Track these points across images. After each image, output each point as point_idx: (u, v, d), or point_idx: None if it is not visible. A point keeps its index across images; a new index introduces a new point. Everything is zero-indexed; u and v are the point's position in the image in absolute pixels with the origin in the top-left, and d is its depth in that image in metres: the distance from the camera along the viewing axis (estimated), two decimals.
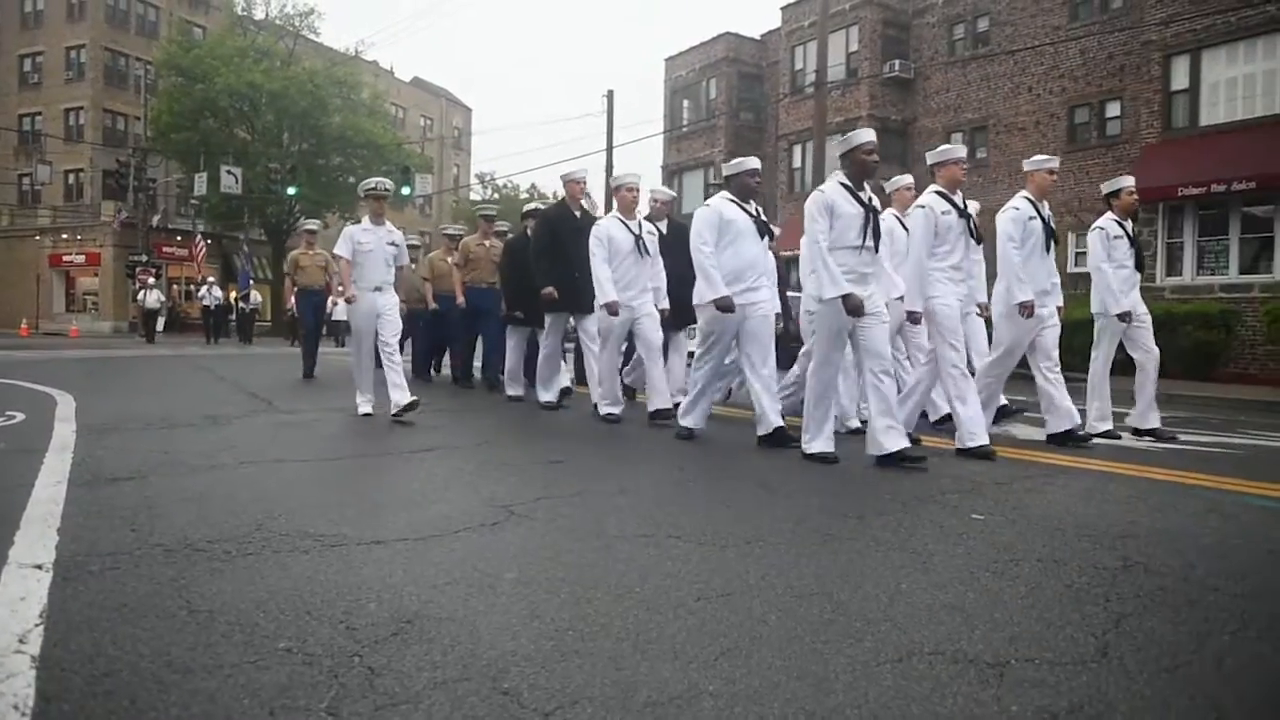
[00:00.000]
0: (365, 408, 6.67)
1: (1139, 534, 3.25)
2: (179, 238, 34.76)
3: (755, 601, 2.37)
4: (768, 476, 4.43)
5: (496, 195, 56.09)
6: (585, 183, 7.46)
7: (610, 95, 27.44)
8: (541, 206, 8.14)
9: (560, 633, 2.11)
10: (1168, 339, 10.27)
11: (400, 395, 6.24)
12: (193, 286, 32.94)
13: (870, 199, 4.91)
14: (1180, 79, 17.15)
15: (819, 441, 4.90)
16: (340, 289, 7.75)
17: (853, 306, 4.66)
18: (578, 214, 7.20)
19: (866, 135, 4.98)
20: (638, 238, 6.60)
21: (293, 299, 10.13)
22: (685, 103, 31.30)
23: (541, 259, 7.03)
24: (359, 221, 6.73)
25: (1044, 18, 21.43)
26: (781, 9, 27.20)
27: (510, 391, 8.28)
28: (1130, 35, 19.17)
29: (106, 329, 32.19)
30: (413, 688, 1.78)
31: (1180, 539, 3.21)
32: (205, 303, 25.04)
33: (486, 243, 9.16)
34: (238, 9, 37.27)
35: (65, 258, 36.08)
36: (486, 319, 9.04)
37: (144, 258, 28.65)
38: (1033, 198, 5.65)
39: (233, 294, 28.53)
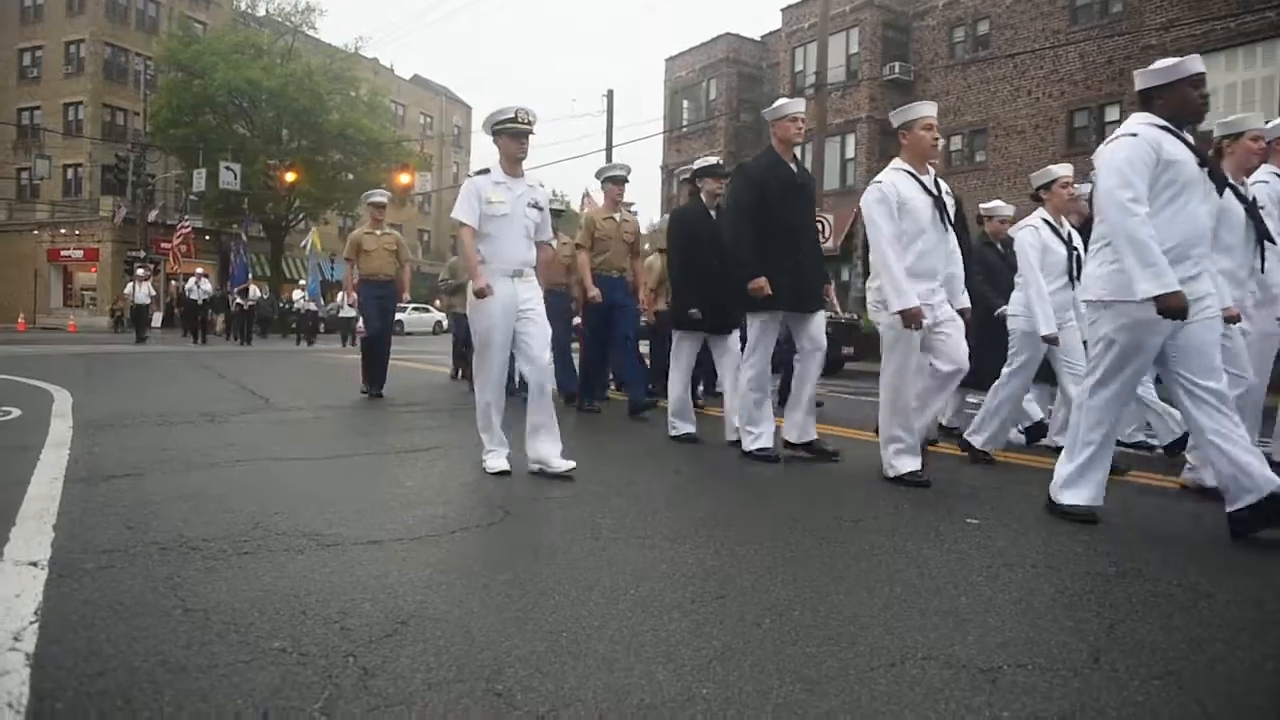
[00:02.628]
0: (498, 461, 4.31)
1: (1132, 539, 3.26)
2: (172, 239, 34.74)
3: (749, 604, 2.38)
4: (763, 479, 4.44)
5: None
6: (802, 119, 5.14)
7: (610, 95, 27.42)
8: (714, 161, 5.92)
9: (554, 634, 2.11)
10: None
11: (552, 449, 4.26)
12: (174, 282, 29.42)
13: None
14: None
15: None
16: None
17: (910, 318, 4.15)
18: (794, 168, 5.06)
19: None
20: (936, 198, 4.38)
21: (353, 292, 8.19)
22: (685, 103, 31.33)
23: (744, 232, 4.85)
24: (485, 171, 4.43)
25: (1044, 21, 21.47)
26: (782, 10, 27.22)
27: (678, 429, 5.73)
28: (1130, 40, 19.20)
29: (104, 324, 32.13)
30: (407, 689, 1.78)
31: (1173, 544, 3.22)
32: (193, 296, 22.36)
33: (616, 216, 7.05)
34: (239, 5, 37.27)
35: (63, 252, 36.03)
36: (621, 318, 7.06)
37: (141, 253, 28.58)
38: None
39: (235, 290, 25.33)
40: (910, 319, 4.16)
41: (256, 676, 1.82)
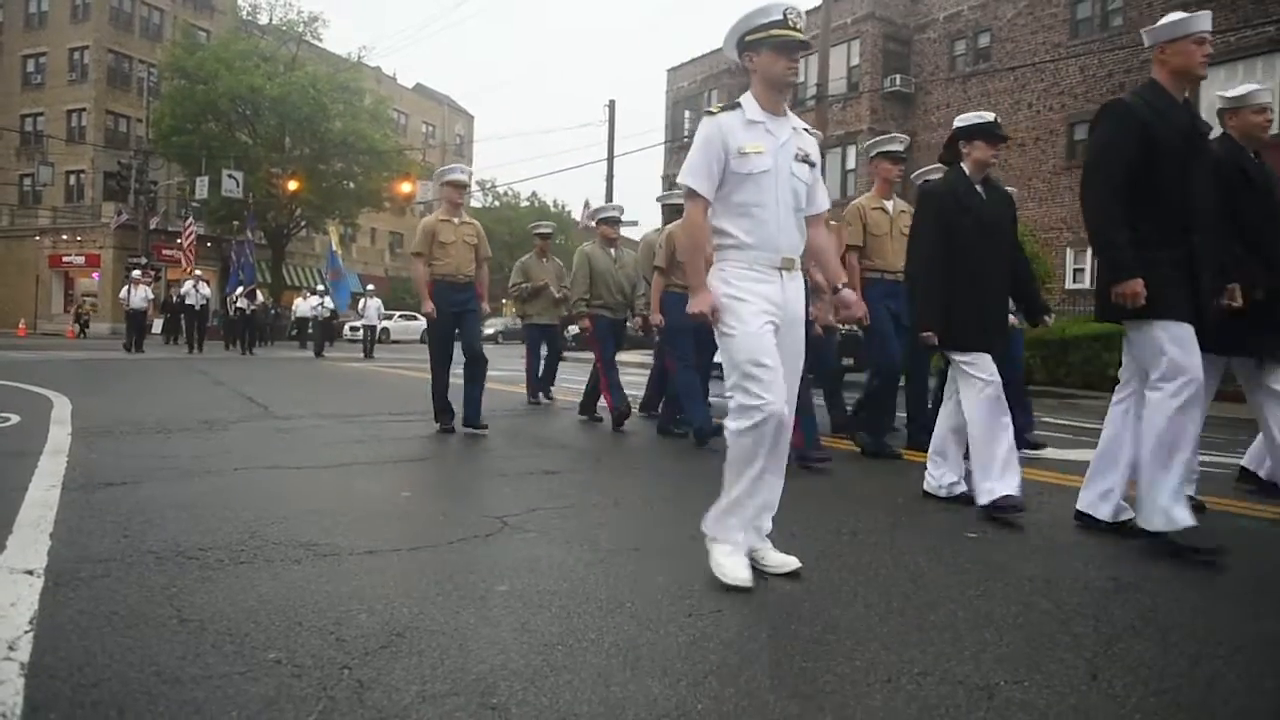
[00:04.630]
0: (738, 564, 2.73)
1: (1130, 554, 3.25)
2: (179, 240, 34.82)
3: (747, 618, 2.37)
4: None
5: (497, 203, 56.22)
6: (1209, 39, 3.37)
7: (612, 105, 27.51)
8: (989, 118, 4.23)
9: (550, 647, 2.10)
10: None
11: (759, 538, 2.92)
12: (174, 286, 26.90)
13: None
14: None
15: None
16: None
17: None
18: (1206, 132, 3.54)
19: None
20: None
21: (429, 300, 6.29)
22: (687, 113, 31.44)
23: (1109, 204, 3.28)
24: (733, 106, 2.85)
25: (1044, 34, 21.55)
26: None
27: (938, 480, 4.23)
28: (1130, 53, 19.27)
29: (105, 330, 32.15)
30: (401, 702, 1.78)
31: (1172, 560, 3.21)
32: (190, 301, 20.17)
33: (889, 206, 5.82)
34: (242, 13, 37.44)
35: (65, 258, 36.09)
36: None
37: (143, 260, 28.63)
38: None
39: (240, 294, 22.32)
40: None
41: (251, 688, 1.82)
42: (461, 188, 6.39)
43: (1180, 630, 2.39)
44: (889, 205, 5.64)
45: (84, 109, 36.87)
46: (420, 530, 3.26)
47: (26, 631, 2.09)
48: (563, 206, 56.14)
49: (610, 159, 26.96)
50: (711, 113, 2.83)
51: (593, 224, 8.65)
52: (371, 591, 2.48)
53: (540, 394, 8.83)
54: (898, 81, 24.14)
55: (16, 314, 32.57)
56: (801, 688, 1.92)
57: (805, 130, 2.94)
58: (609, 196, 26.32)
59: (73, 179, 37.14)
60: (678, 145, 31.21)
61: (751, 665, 2.04)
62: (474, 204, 56.59)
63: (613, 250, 7.36)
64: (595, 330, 7.09)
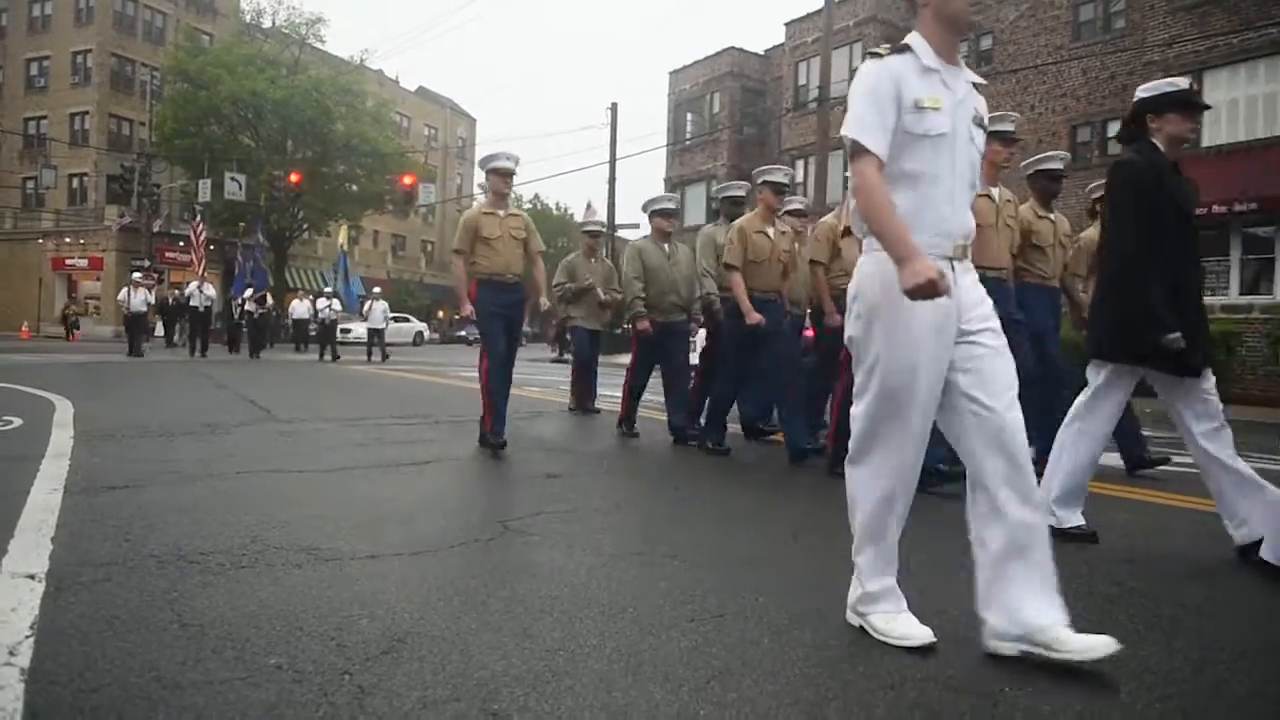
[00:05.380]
0: (907, 622, 2.27)
1: (1135, 559, 3.24)
2: (181, 243, 34.86)
3: (749, 623, 2.36)
4: (764, 496, 4.43)
5: None
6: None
7: (614, 108, 27.54)
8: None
9: (551, 653, 2.10)
10: None
11: (1049, 606, 2.15)
12: (178, 290, 25.94)
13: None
14: None
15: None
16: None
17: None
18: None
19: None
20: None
21: (468, 303, 5.66)
22: (689, 116, 31.47)
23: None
24: (903, 49, 2.30)
25: (1046, 37, 21.54)
26: (785, 25, 27.37)
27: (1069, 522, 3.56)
28: (1133, 55, 19.26)
29: (108, 333, 32.20)
30: (402, 708, 1.77)
31: (1176, 564, 3.20)
32: (194, 302, 19.69)
33: (770, 231, 5.61)
34: (245, 17, 37.51)
35: (68, 261, 36.16)
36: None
37: (146, 262, 28.65)
38: None
39: (248, 297, 21.69)
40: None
41: (252, 694, 1.81)
42: (508, 176, 5.72)
43: (1185, 636, 2.38)
44: (770, 230, 5.63)
45: (87, 112, 36.94)
46: (422, 535, 3.26)
47: (27, 636, 2.08)
48: (565, 209, 56.23)
49: (612, 162, 27.00)
50: (878, 54, 2.31)
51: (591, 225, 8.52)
52: (373, 596, 2.48)
53: (589, 401, 8.35)
54: None
55: (19, 317, 32.60)
56: (804, 694, 1.91)
57: (977, 86, 2.42)
58: (611, 199, 26.35)
59: (75, 182, 37.20)
60: (680, 148, 31.25)
61: (754, 671, 2.03)
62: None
63: (666, 246, 6.62)
64: (644, 335, 6.48)
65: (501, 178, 5.69)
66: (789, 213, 6.20)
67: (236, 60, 32.51)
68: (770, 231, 5.58)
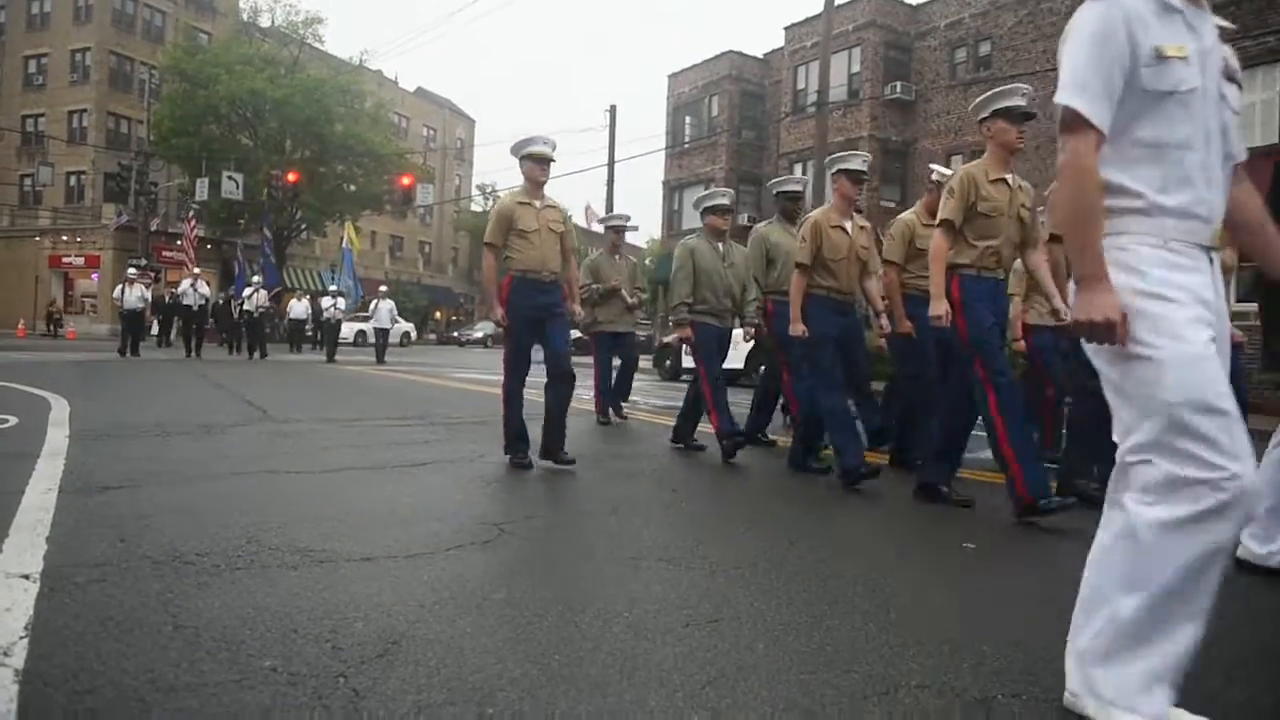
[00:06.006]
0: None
1: None
2: (179, 241, 34.83)
3: (744, 629, 2.37)
4: (761, 501, 4.43)
5: None
6: None
7: (613, 110, 27.55)
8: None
9: (547, 656, 2.10)
10: None
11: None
12: (173, 288, 24.23)
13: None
14: None
15: None
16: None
17: None
18: None
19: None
20: None
21: (499, 304, 5.12)
22: (688, 119, 31.49)
23: None
24: None
25: (1045, 43, 21.59)
26: (785, 29, 27.41)
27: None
28: None
29: (104, 331, 32.14)
30: (397, 711, 1.77)
31: None
32: (187, 301, 18.84)
33: (848, 225, 5.06)
34: (244, 16, 37.50)
35: (65, 259, 36.10)
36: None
37: (143, 261, 28.58)
38: None
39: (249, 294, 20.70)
40: None
41: (246, 697, 1.81)
42: (545, 163, 5.14)
43: None
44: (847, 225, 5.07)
45: (85, 110, 36.91)
46: (417, 537, 3.25)
47: (21, 637, 2.08)
48: (564, 212, 56.21)
49: (611, 164, 26.99)
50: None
51: (599, 227, 8.22)
52: (368, 599, 2.47)
53: (611, 411, 7.88)
54: (898, 89, 24.17)
55: (16, 315, 32.54)
56: (799, 700, 1.91)
57: (1223, 32, 1.89)
58: (609, 201, 26.36)
59: (73, 180, 37.16)
60: (678, 151, 31.27)
61: (749, 676, 2.03)
62: (474, 209, 56.65)
63: (720, 246, 5.99)
64: (699, 340, 5.81)
65: (538, 164, 5.12)
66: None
67: (234, 59, 32.49)
68: (848, 225, 5.02)
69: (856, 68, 24.92)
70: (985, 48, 23.20)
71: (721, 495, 4.54)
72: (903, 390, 5.59)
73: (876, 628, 2.41)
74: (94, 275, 35.50)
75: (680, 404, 6.47)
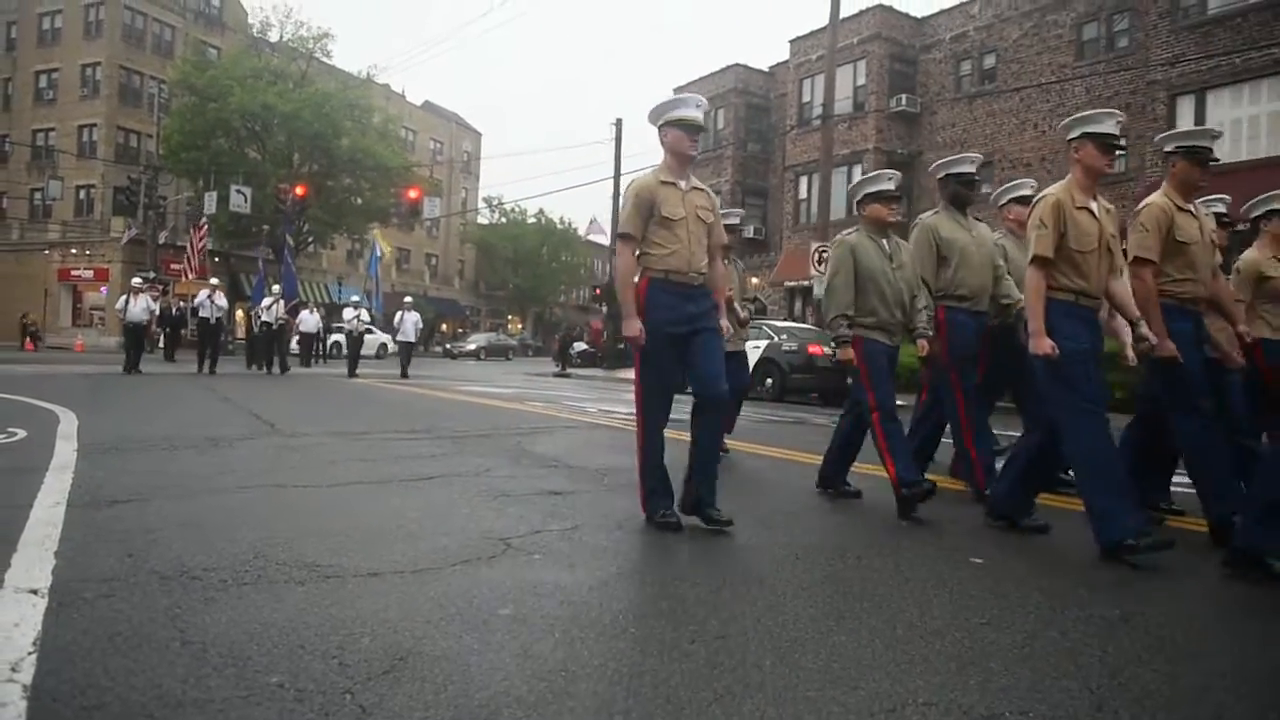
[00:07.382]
0: None
1: (1137, 582, 3.23)
2: (189, 248, 34.95)
3: (750, 645, 2.36)
4: (767, 515, 4.42)
5: (504, 220, 56.48)
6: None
7: (619, 123, 27.64)
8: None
9: (552, 673, 2.10)
10: None
11: None
12: (182, 302, 24.89)
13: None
14: (1185, 119, 17.29)
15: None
16: None
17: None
18: None
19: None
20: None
21: (635, 318, 3.85)
22: None
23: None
24: None
25: (1050, 55, 21.65)
26: (790, 41, 27.52)
27: None
28: (1136, 75, 19.34)
29: (112, 344, 32.25)
30: None
31: (1179, 587, 3.19)
32: (204, 314, 17.93)
33: (1095, 207, 3.92)
34: (253, 30, 37.77)
35: (74, 272, 36.32)
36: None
37: (151, 274, 28.65)
38: None
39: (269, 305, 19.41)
40: None
41: (253, 713, 1.81)
42: (698, 131, 4.01)
43: (1187, 661, 2.38)
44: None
45: (95, 124, 37.20)
46: (424, 552, 3.26)
47: (30, 653, 2.09)
48: (569, 224, 56.40)
49: (617, 176, 27.06)
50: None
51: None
52: (374, 615, 2.48)
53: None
54: (903, 101, 24.25)
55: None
56: (806, 717, 1.91)
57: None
58: (615, 215, 26.42)
59: (83, 193, 37.42)
60: None
61: (756, 694, 2.02)
62: (480, 220, 56.81)
63: (885, 243, 4.74)
64: (866, 362, 4.60)
65: (688, 134, 3.96)
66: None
67: (244, 73, 32.71)
68: (1094, 207, 3.88)
69: (862, 80, 25.00)
70: (990, 60, 23.27)
71: (728, 510, 4.51)
72: (1152, 425, 4.42)
73: (883, 644, 2.41)
74: (102, 289, 35.66)
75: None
